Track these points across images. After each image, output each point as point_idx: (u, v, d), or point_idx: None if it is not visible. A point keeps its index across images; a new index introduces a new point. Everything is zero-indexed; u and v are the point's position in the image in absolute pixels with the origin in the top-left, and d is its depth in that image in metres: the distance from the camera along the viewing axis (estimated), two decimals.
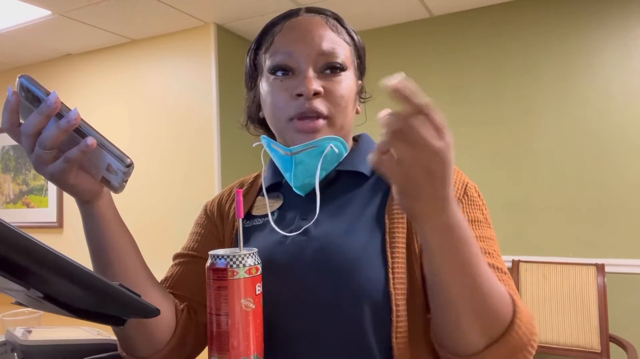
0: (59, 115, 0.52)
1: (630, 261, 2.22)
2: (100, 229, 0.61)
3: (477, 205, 0.68)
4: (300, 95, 0.66)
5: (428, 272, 0.56)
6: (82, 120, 0.53)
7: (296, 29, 0.69)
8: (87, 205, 0.60)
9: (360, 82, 0.76)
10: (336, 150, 0.68)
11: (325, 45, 0.67)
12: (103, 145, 0.54)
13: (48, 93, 0.52)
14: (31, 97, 0.52)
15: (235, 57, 2.84)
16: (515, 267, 2.30)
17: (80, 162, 0.55)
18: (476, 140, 2.55)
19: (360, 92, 0.78)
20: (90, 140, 0.52)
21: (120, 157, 0.55)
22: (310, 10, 0.73)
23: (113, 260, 0.62)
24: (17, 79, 0.52)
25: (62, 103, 0.52)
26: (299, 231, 0.68)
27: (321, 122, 0.67)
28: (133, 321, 0.64)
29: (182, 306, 0.71)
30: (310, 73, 0.66)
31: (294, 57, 0.67)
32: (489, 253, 0.64)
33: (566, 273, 2.20)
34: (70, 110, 0.52)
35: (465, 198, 0.68)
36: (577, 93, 2.36)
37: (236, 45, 2.86)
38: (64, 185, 0.56)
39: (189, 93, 2.75)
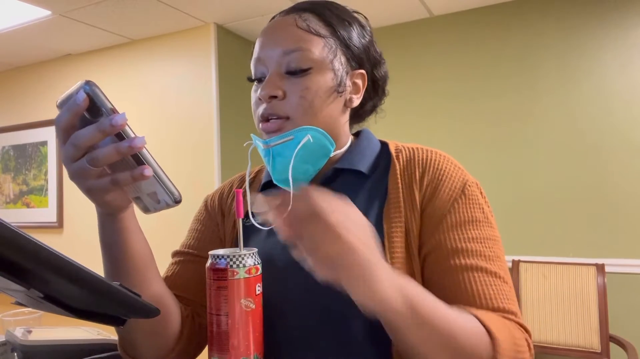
0: (118, 134, 0.49)
1: (630, 261, 2.22)
2: (121, 241, 0.59)
3: (476, 204, 0.66)
4: (260, 99, 0.68)
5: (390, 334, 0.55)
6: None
7: (265, 34, 0.70)
8: (110, 216, 0.57)
9: (361, 71, 0.72)
10: (311, 140, 0.67)
11: (287, 46, 0.67)
12: (157, 175, 0.52)
13: (114, 110, 0.49)
14: (90, 105, 0.49)
15: (235, 57, 2.84)
16: (515, 267, 2.30)
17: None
18: (476, 140, 2.54)
19: (374, 81, 0.75)
20: (148, 172, 0.50)
21: (171, 192, 0.53)
22: (290, 9, 0.72)
23: (131, 270, 0.60)
24: (81, 83, 0.49)
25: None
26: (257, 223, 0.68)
27: (281, 121, 0.67)
28: (142, 327, 0.64)
29: (187, 312, 0.71)
30: (272, 76, 0.67)
31: (260, 63, 0.69)
32: (485, 256, 0.62)
33: (566, 273, 2.20)
34: (131, 132, 0.49)
35: (463, 197, 0.66)
36: (577, 93, 2.36)
37: (236, 45, 2.86)
38: (96, 200, 0.54)
39: (189, 93, 2.75)
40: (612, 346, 2.09)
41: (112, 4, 2.38)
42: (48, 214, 3.22)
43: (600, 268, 2.14)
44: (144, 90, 2.90)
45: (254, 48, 0.73)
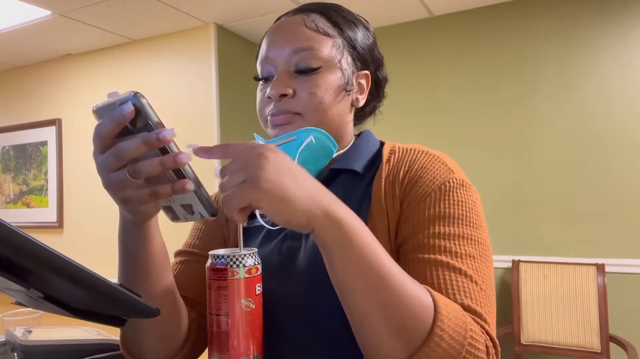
0: (162, 148, 0.48)
1: (630, 261, 2.22)
2: (144, 248, 0.59)
3: (453, 201, 0.63)
4: (270, 97, 0.69)
5: (331, 279, 0.54)
6: None
7: (272, 33, 0.71)
8: (136, 225, 0.57)
9: (365, 72, 0.73)
10: (314, 141, 0.67)
11: (297, 45, 0.68)
12: (197, 189, 0.51)
13: (160, 124, 0.48)
14: (135, 117, 0.48)
15: (235, 57, 2.84)
16: (515, 267, 2.30)
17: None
18: (476, 140, 2.54)
19: (377, 82, 0.76)
20: (189, 186, 0.49)
21: (209, 205, 0.52)
22: (297, 10, 0.73)
23: (150, 276, 0.60)
24: (128, 94, 0.48)
25: None
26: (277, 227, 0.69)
27: (291, 116, 0.68)
28: (151, 330, 0.64)
29: (193, 315, 0.71)
30: (281, 75, 0.68)
31: (268, 62, 0.70)
32: (451, 253, 0.59)
33: (566, 273, 2.20)
34: (175, 146, 0.49)
35: (437, 192, 0.63)
36: (577, 93, 2.36)
37: (236, 45, 2.86)
38: (130, 210, 0.53)
39: (189, 93, 2.75)
40: (612, 346, 2.09)
41: (112, 4, 2.38)
42: (48, 214, 3.22)
43: (600, 268, 2.14)
44: (144, 90, 2.90)
45: (259, 48, 0.73)
